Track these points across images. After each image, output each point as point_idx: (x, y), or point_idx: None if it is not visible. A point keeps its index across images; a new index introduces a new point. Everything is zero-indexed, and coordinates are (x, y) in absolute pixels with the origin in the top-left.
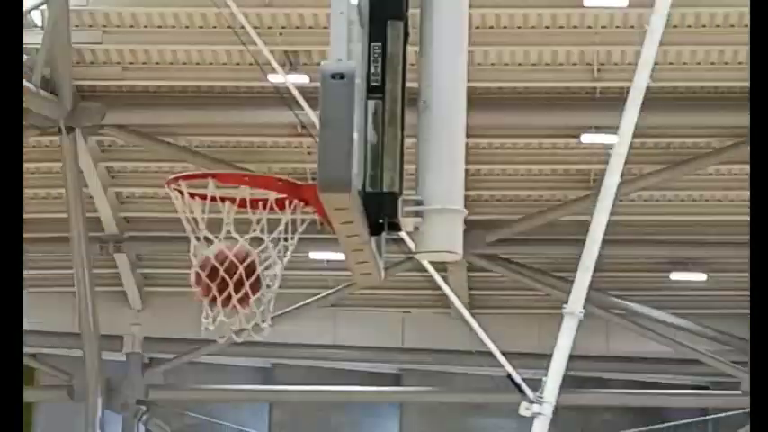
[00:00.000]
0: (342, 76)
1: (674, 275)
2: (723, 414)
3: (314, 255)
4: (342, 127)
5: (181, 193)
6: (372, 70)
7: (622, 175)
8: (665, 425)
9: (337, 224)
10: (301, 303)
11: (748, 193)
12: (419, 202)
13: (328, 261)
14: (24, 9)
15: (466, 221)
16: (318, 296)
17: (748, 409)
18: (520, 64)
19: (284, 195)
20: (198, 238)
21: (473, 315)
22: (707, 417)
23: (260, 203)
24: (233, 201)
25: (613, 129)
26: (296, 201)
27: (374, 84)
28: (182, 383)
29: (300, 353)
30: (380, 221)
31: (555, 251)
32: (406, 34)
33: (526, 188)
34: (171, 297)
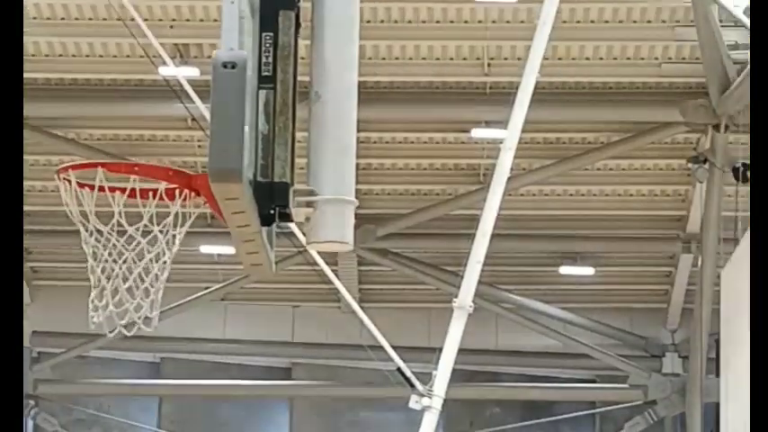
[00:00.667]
0: (233, 66)
1: (563, 270)
2: (610, 407)
3: (205, 248)
4: (233, 116)
5: (70, 183)
6: (264, 60)
7: (512, 169)
8: (554, 418)
9: (228, 214)
10: (191, 297)
11: (637, 187)
12: (311, 193)
13: (219, 255)
14: None
15: (356, 216)
16: (208, 290)
17: (634, 403)
18: (410, 58)
19: (175, 185)
20: (87, 229)
21: (363, 309)
22: (594, 410)
23: (150, 194)
24: (123, 191)
25: (503, 123)
26: (187, 191)
27: (265, 73)
28: (70, 378)
29: (189, 347)
30: (271, 211)
31: (445, 245)
32: (298, 24)
33: (416, 182)
34: (60, 291)
